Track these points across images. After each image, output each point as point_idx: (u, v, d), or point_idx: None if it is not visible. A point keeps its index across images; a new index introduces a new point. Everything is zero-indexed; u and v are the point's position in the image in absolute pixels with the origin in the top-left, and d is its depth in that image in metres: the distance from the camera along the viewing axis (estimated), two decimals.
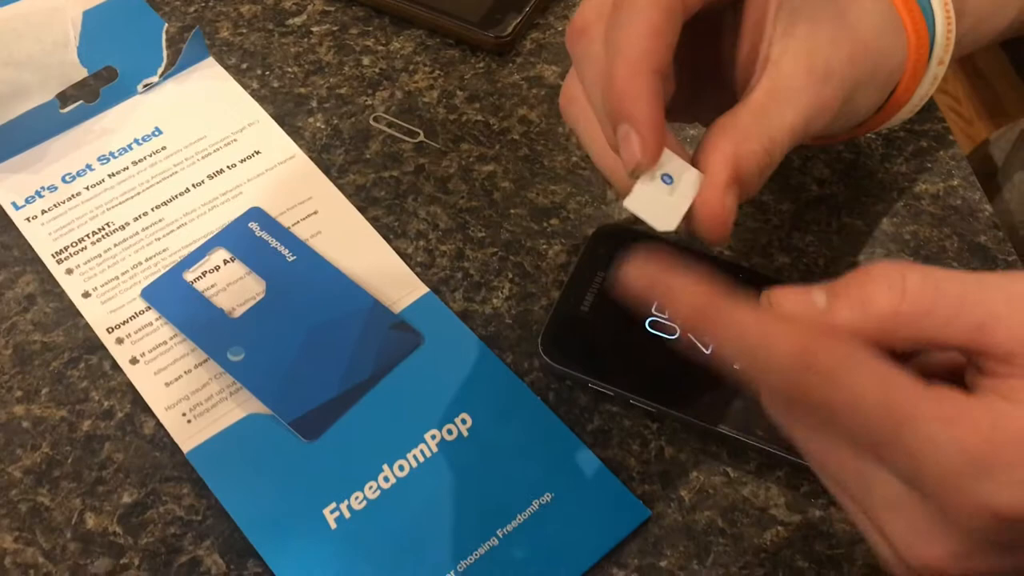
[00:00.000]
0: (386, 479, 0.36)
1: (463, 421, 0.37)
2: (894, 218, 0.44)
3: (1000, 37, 0.40)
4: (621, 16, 0.29)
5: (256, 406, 0.37)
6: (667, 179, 0.29)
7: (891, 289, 0.25)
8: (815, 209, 0.44)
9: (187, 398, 0.38)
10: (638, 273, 0.27)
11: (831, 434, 0.26)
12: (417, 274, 0.42)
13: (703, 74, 0.34)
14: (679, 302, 0.26)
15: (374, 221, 0.43)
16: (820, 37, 0.31)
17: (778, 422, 0.27)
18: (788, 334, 0.24)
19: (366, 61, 0.49)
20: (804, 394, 0.24)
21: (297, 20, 0.51)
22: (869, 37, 0.32)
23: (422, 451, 0.36)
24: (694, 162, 0.30)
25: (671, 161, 0.30)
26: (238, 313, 0.40)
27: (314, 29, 0.50)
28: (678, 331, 0.39)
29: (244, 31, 0.50)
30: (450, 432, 0.37)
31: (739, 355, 0.25)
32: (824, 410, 0.24)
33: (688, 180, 0.30)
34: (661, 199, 0.29)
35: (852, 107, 0.33)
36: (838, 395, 0.24)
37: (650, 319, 0.39)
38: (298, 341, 0.39)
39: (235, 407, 0.38)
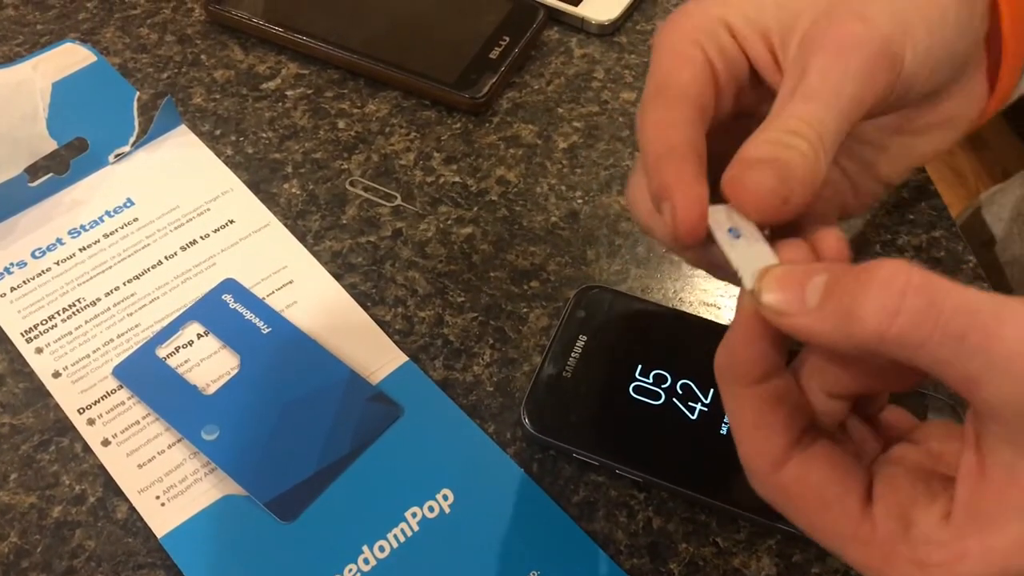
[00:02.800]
0: (366, 561, 0.35)
1: (445, 497, 0.36)
2: None
3: None
4: (654, 104, 0.28)
5: (232, 487, 0.36)
6: (734, 232, 0.28)
7: (884, 307, 0.22)
8: None
9: (161, 480, 0.37)
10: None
11: None
12: (396, 342, 0.41)
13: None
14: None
15: (351, 288, 0.42)
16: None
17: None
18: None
19: (341, 124, 0.48)
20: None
21: (271, 84, 0.50)
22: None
23: (403, 530, 0.35)
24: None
25: (730, 216, 0.27)
26: (212, 389, 0.39)
27: (288, 93, 0.50)
28: (663, 396, 0.38)
29: (218, 97, 0.49)
30: (431, 509, 0.36)
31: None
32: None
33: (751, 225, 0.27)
34: (746, 251, 0.27)
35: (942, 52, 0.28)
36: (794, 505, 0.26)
37: (634, 384, 0.38)
38: (274, 417, 0.38)
39: (210, 488, 0.36)
